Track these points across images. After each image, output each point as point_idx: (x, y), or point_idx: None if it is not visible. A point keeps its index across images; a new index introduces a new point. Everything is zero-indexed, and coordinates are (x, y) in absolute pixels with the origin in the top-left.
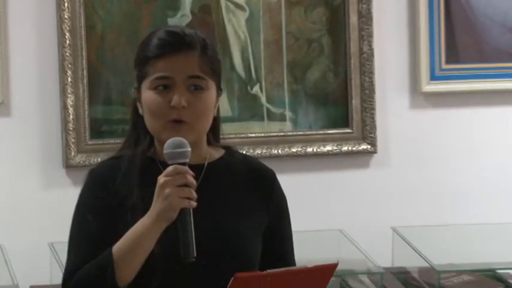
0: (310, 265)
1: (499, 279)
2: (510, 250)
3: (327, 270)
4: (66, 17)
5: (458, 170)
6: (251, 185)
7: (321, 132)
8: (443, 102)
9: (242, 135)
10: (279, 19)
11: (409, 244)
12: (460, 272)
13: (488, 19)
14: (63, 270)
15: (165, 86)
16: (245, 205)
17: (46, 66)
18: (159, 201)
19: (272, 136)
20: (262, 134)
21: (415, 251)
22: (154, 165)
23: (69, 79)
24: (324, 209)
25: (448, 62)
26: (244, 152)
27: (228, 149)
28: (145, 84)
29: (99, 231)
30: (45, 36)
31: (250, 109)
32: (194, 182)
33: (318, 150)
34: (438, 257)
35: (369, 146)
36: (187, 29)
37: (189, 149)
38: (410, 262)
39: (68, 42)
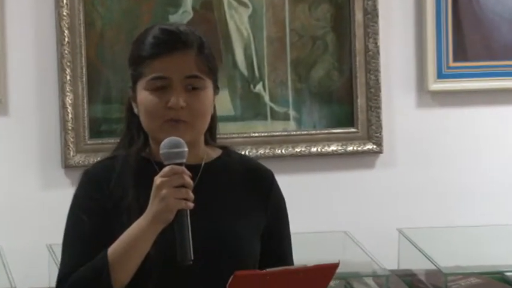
0: (310, 264)
1: (507, 281)
2: None
3: (327, 270)
4: (65, 14)
5: (466, 170)
6: (249, 185)
7: (326, 131)
8: (450, 101)
9: (245, 135)
10: (283, 16)
11: (415, 246)
12: (467, 275)
13: (497, 16)
14: (58, 272)
15: (161, 87)
16: (242, 205)
17: (44, 64)
18: (155, 203)
19: (275, 136)
20: (266, 134)
21: (422, 253)
22: (149, 165)
23: (68, 77)
24: (329, 210)
25: (455, 59)
26: (243, 152)
27: (225, 148)
28: (141, 84)
29: (93, 232)
30: (43, 34)
31: (253, 108)
32: (191, 182)
33: (323, 150)
34: (445, 259)
35: (375, 146)
36: (182, 26)
37: (186, 149)
38: (417, 264)
39: (66, 39)
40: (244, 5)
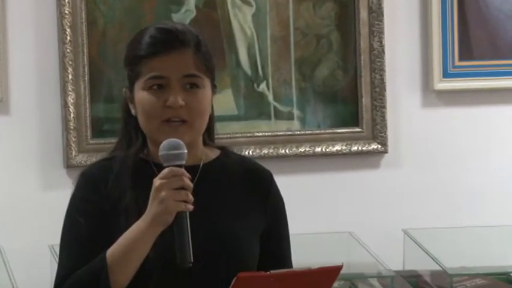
0: (314, 267)
1: None
2: None
3: (331, 273)
4: (66, 12)
5: (472, 170)
6: (248, 186)
7: (330, 131)
8: (456, 101)
9: (248, 134)
10: (287, 14)
11: (420, 247)
12: (473, 276)
13: (503, 14)
14: (55, 275)
15: (159, 86)
16: (241, 206)
17: (46, 63)
18: (154, 205)
19: (279, 135)
20: (269, 133)
21: (427, 253)
22: (147, 167)
23: (70, 76)
24: (333, 210)
25: (461, 58)
26: (247, 152)
27: (223, 149)
28: (139, 84)
29: (91, 234)
30: (45, 32)
31: (256, 107)
32: (191, 184)
33: (327, 150)
34: (450, 260)
35: (380, 146)
36: (179, 24)
37: (185, 151)
38: (422, 265)
39: (68, 38)
40: (248, 3)
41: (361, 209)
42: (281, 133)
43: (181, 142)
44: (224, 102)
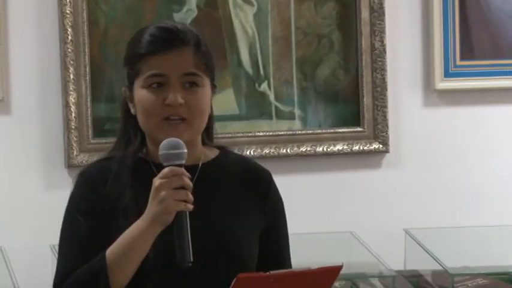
0: (314, 267)
1: None
2: None
3: (331, 273)
4: (68, 11)
5: (473, 169)
6: (247, 185)
7: (331, 131)
8: (457, 100)
9: (250, 134)
10: (288, 14)
11: (421, 246)
12: (474, 276)
13: (505, 14)
14: (54, 275)
15: (159, 84)
16: (240, 206)
17: (47, 62)
18: (154, 204)
19: (281, 135)
20: (271, 133)
21: (428, 253)
22: (146, 166)
23: (71, 76)
24: (334, 210)
25: (462, 58)
26: (248, 152)
27: (222, 149)
28: (138, 82)
29: (90, 234)
30: (46, 32)
31: (258, 107)
32: (191, 184)
33: (328, 149)
34: (452, 260)
35: (381, 145)
36: (179, 23)
37: (185, 150)
38: (423, 265)
39: (70, 38)
40: (249, 3)
41: (362, 209)
42: (282, 133)
43: (181, 141)
44: (225, 101)
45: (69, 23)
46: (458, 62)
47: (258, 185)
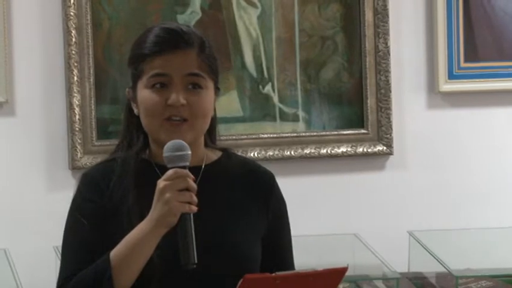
0: (319, 268)
1: None
2: None
3: (336, 274)
4: (72, 14)
5: (477, 172)
6: (250, 187)
7: (335, 133)
8: (461, 102)
9: (253, 136)
10: (292, 16)
11: (426, 249)
12: (478, 278)
13: (508, 15)
14: (58, 276)
15: (162, 84)
16: (244, 207)
17: (51, 64)
18: (158, 206)
19: (284, 137)
20: (275, 135)
21: (432, 255)
22: (149, 167)
23: (75, 78)
24: (338, 212)
25: (466, 60)
26: (252, 154)
27: (224, 151)
28: (141, 82)
29: (93, 236)
30: (50, 34)
31: (262, 109)
32: (195, 186)
33: (332, 151)
34: (456, 262)
35: (385, 147)
36: (184, 25)
37: (189, 152)
38: (427, 267)
39: (74, 40)
40: (253, 5)
41: (366, 211)
42: (286, 135)
43: (185, 143)
44: (229, 103)
45: (73, 25)
46: (462, 64)
47: (260, 186)
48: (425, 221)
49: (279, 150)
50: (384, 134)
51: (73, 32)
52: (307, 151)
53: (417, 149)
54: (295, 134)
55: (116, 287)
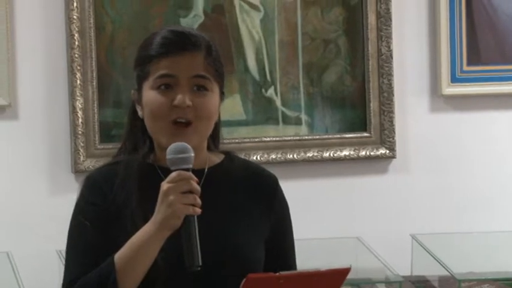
0: (323, 269)
1: None
2: None
3: (339, 275)
4: (75, 17)
5: (480, 175)
6: (252, 190)
7: (338, 136)
8: (464, 105)
9: (256, 139)
10: (295, 19)
11: (428, 252)
12: (481, 281)
13: (511, 19)
14: (62, 280)
15: (167, 86)
16: (247, 210)
17: (54, 68)
18: (162, 209)
19: (287, 140)
20: (277, 138)
21: (435, 259)
22: (153, 170)
23: (78, 81)
24: (341, 216)
25: (469, 63)
26: (255, 157)
27: (227, 154)
28: (147, 84)
29: (97, 239)
30: (53, 37)
31: (264, 112)
32: (198, 188)
33: (335, 155)
34: (459, 266)
35: (388, 151)
36: (191, 29)
37: (193, 155)
38: (430, 271)
39: (76, 43)
40: (256, 8)
41: (369, 214)
42: (289, 138)
43: (188, 146)
44: (232, 107)
45: (76, 29)
46: (465, 67)
47: (264, 189)
48: (428, 225)
49: (281, 154)
50: (386, 137)
51: (76, 35)
52: (309, 154)
53: (420, 153)
54: (297, 138)
55: None
